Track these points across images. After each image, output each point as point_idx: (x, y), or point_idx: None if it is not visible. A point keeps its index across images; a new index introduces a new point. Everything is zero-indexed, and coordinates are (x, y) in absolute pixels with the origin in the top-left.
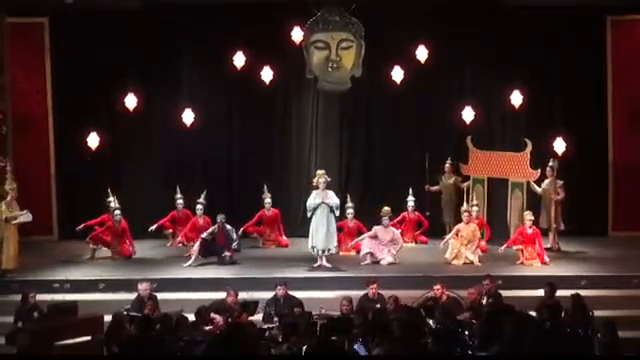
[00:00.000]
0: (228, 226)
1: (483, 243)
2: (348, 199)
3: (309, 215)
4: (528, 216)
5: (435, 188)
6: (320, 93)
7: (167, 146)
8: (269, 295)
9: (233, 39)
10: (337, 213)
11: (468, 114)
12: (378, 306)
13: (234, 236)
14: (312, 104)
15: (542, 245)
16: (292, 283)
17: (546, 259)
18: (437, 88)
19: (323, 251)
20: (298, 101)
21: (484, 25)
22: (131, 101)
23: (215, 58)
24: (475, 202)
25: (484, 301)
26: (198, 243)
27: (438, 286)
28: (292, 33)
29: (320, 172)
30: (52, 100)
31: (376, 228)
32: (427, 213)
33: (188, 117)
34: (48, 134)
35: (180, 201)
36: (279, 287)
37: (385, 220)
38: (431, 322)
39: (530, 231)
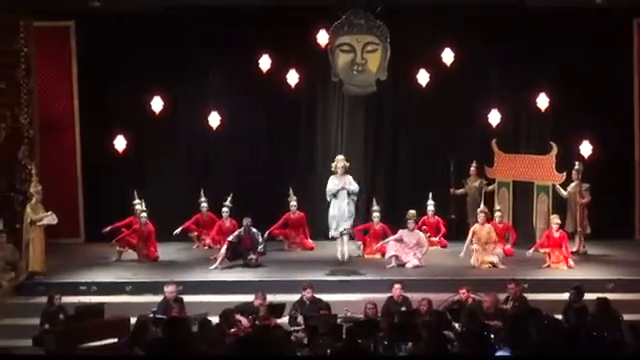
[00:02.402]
0: (254, 229)
1: (508, 246)
2: (374, 202)
3: (328, 199)
4: (555, 220)
5: (460, 191)
6: (345, 96)
7: (193, 149)
8: (295, 298)
9: (259, 42)
10: (355, 198)
11: (494, 117)
12: (404, 309)
13: (260, 239)
14: (337, 107)
15: (568, 249)
16: (318, 286)
17: (571, 263)
18: (463, 91)
19: (342, 233)
20: (323, 104)
21: (510, 27)
22: (157, 104)
23: (241, 61)
24: (498, 207)
25: (509, 305)
26: (225, 246)
27: (464, 289)
28: (318, 36)
29: (339, 157)
30: (78, 103)
31: (402, 231)
32: (452, 216)
33: (214, 120)
34: (74, 137)
35: (204, 204)
36: (305, 290)
37: (411, 223)
38: (457, 325)
39: (557, 235)
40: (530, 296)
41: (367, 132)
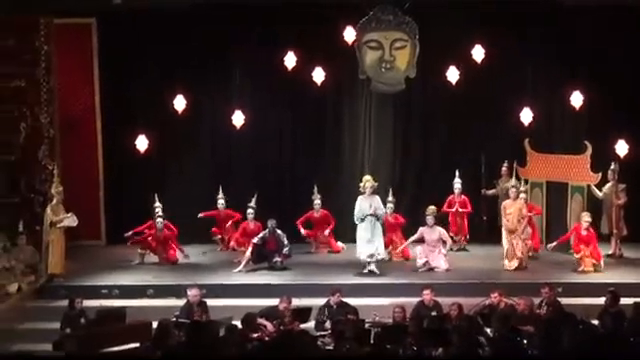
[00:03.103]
0: (279, 231)
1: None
2: (390, 193)
3: (356, 222)
4: (585, 217)
5: (491, 192)
6: (373, 94)
7: (216, 148)
8: (321, 302)
9: (284, 39)
10: (380, 222)
11: (526, 115)
12: (434, 313)
13: (285, 241)
14: (365, 106)
15: (598, 248)
16: (346, 290)
17: (601, 264)
18: (494, 88)
19: (370, 256)
20: (350, 102)
21: (543, 23)
22: (180, 103)
23: (265, 58)
24: (521, 187)
25: (543, 310)
26: (250, 249)
27: (495, 293)
28: (344, 33)
29: (367, 177)
30: (99, 102)
31: (421, 229)
32: (483, 217)
33: (238, 119)
34: (96, 137)
35: (221, 201)
36: (334, 294)
37: (430, 219)
38: (488, 330)
39: (585, 233)
40: (564, 300)
41: (395, 131)
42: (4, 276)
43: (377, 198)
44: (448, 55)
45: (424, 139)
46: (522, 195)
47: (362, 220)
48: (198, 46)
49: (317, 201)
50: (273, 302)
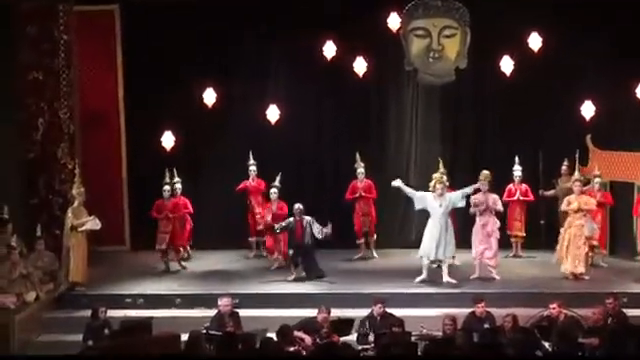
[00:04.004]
0: (307, 217)
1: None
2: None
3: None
4: None
5: (550, 193)
6: (420, 86)
7: (250, 146)
8: (364, 313)
9: (322, 27)
10: (462, 203)
11: (588, 109)
12: (487, 326)
13: (315, 227)
14: (411, 99)
15: None
16: (390, 299)
17: None
18: (552, 80)
19: (438, 261)
20: (395, 96)
21: (606, 8)
22: (210, 97)
23: (303, 48)
24: (597, 172)
25: (607, 321)
26: (291, 254)
27: (555, 304)
28: (389, 20)
29: (437, 175)
30: (123, 96)
31: (474, 197)
32: (541, 222)
33: (273, 114)
34: (120, 133)
35: (253, 167)
36: (376, 304)
37: (484, 185)
38: (547, 345)
39: None
40: (629, 312)
41: (444, 126)
42: (21, 284)
43: (448, 196)
44: (502, 43)
45: (475, 135)
46: (597, 180)
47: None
48: (230, 34)
49: (360, 169)
50: (311, 313)
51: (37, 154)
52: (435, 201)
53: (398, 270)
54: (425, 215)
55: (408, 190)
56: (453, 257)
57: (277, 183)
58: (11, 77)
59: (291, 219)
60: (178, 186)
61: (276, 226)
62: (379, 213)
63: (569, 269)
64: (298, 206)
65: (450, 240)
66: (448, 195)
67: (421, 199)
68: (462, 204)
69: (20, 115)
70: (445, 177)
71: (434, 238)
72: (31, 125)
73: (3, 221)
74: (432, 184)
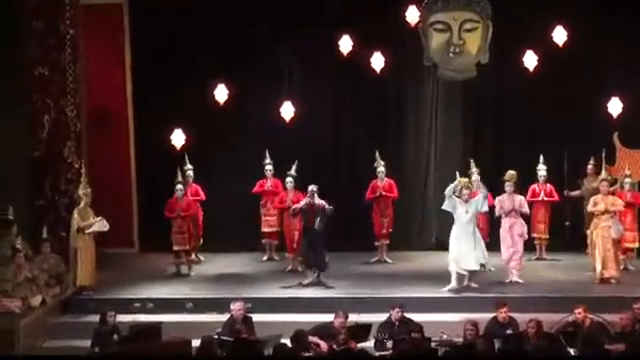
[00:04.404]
0: (319, 200)
1: None
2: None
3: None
4: None
5: (575, 193)
6: (440, 82)
7: (263, 145)
8: (382, 318)
9: (339, 21)
10: (485, 207)
11: (615, 106)
12: (509, 332)
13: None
14: (431, 95)
15: None
16: (409, 304)
17: None
18: (578, 76)
19: (471, 272)
20: (414, 92)
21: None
22: (222, 93)
23: (318, 43)
24: (628, 172)
25: (636, 327)
26: (305, 255)
27: (580, 309)
28: (407, 13)
29: (463, 180)
30: (132, 93)
31: (499, 198)
32: (566, 223)
33: (287, 111)
34: (128, 131)
35: (269, 167)
36: (394, 309)
37: (509, 186)
38: (572, 351)
39: None
40: None
41: (465, 124)
42: (26, 288)
43: (478, 198)
44: (525, 38)
45: (497, 133)
46: (628, 180)
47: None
48: (242, 28)
49: (380, 168)
50: (327, 318)
51: (43, 152)
52: (461, 207)
53: (417, 273)
54: (445, 215)
55: (450, 187)
56: (484, 264)
57: (293, 172)
58: (16, 73)
59: (306, 200)
60: (190, 173)
61: (294, 207)
62: (397, 214)
63: (599, 272)
64: (312, 187)
65: (479, 246)
66: (473, 201)
67: (451, 203)
68: (485, 208)
69: (25, 112)
70: (476, 174)
71: (463, 246)
72: (37, 122)
73: (8, 222)
74: (458, 188)
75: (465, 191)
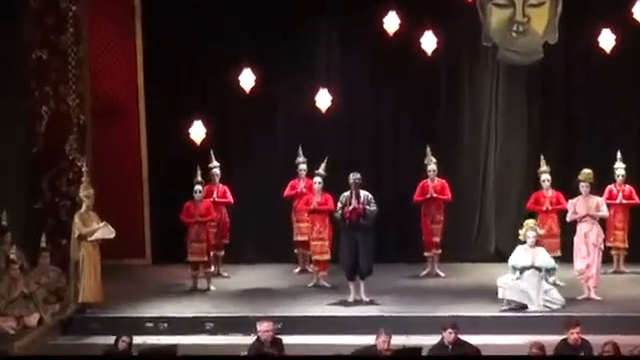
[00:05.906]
0: (364, 192)
1: None
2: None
3: (514, 277)
4: None
5: None
6: (501, 66)
7: (295, 138)
8: (434, 341)
9: None
10: (551, 279)
11: None
12: (582, 355)
13: (372, 204)
14: (491, 81)
15: None
16: (464, 324)
17: None
18: None
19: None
20: (471, 77)
21: None
22: (247, 79)
23: (359, 21)
24: None
25: None
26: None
27: None
28: None
29: (530, 222)
30: (143, 80)
31: (572, 202)
32: None
33: (323, 100)
34: (138, 124)
35: (303, 166)
36: (446, 330)
37: (584, 187)
38: None
39: None
40: None
41: (530, 114)
42: (22, 305)
43: (541, 250)
44: (601, 14)
45: (567, 125)
46: None
47: (520, 272)
48: (269, 7)
49: (432, 166)
50: (370, 340)
51: (41, 148)
52: (524, 255)
53: (474, 288)
54: (507, 221)
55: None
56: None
57: (321, 171)
58: (11, 58)
59: (348, 194)
60: (216, 171)
61: (337, 211)
62: (450, 220)
63: None
64: (354, 176)
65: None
66: (541, 250)
67: (518, 262)
68: (548, 264)
69: (21, 102)
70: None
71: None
72: (34, 114)
73: (1, 229)
74: (522, 232)
75: (530, 233)
